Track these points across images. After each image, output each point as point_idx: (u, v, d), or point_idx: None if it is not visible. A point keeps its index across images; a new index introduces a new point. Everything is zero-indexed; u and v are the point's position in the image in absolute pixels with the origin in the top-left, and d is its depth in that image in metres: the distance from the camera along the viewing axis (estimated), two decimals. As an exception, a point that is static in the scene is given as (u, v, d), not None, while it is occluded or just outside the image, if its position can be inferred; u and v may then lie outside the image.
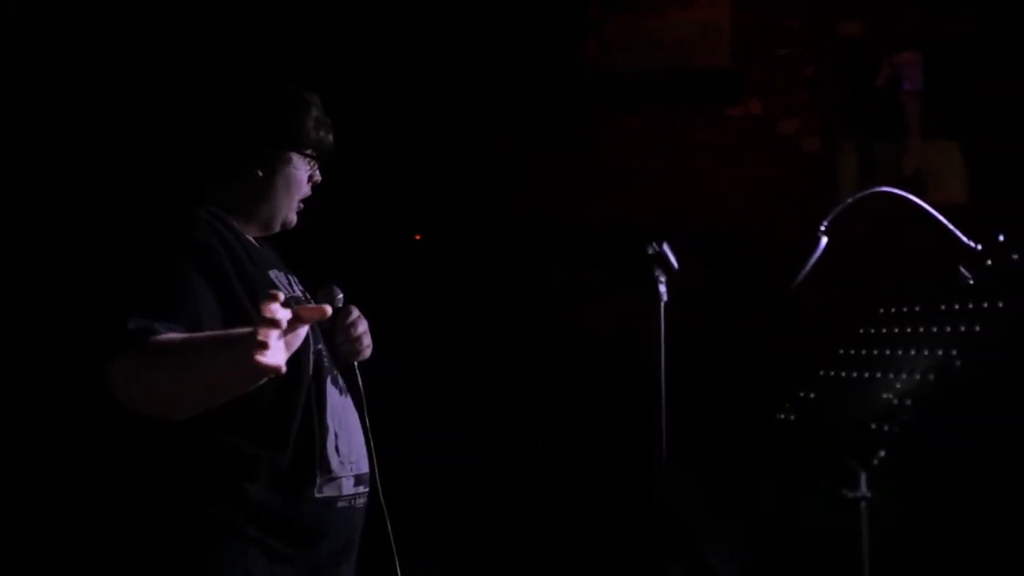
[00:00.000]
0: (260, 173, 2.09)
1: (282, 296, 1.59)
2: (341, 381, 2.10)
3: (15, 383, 3.66)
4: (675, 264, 2.19)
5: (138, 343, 1.77)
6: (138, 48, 3.93)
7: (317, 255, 3.08)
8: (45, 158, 3.81)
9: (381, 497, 2.13)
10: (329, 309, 1.63)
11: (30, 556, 3.54)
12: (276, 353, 1.57)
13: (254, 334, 1.55)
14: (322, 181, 2.20)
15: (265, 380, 1.71)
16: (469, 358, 4.23)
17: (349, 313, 2.16)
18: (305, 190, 2.15)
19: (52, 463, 3.66)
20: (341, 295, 2.16)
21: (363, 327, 2.16)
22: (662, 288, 2.19)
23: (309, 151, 2.12)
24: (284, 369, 1.60)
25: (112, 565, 2.06)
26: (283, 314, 1.57)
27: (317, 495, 1.98)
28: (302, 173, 2.13)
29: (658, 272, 2.20)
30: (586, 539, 3.99)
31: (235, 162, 2.08)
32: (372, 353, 2.20)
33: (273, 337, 1.56)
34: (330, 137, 2.15)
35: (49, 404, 3.67)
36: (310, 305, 1.67)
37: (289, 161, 2.11)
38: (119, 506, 2.07)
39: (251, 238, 2.11)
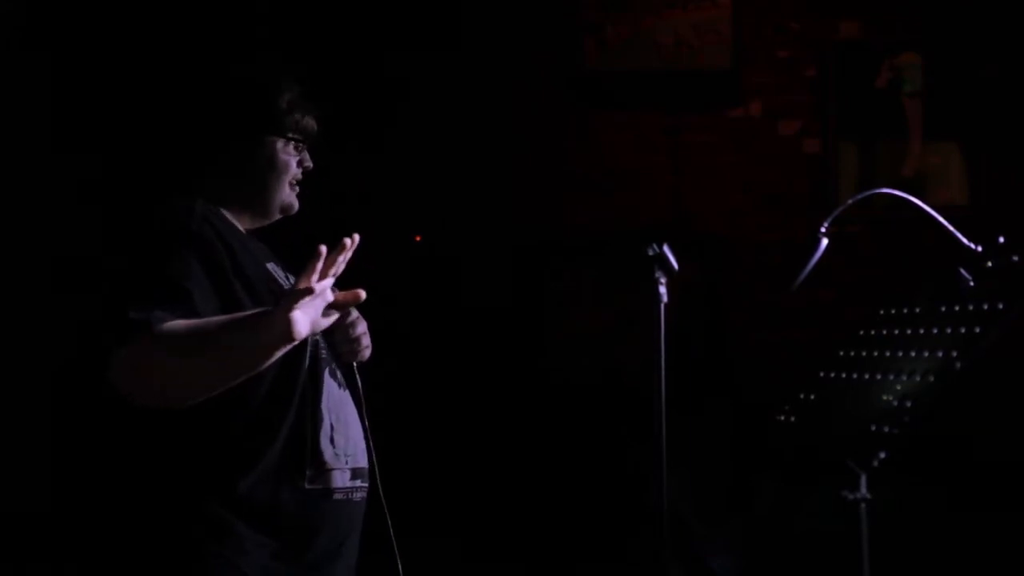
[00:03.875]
0: (243, 162, 2.07)
1: (322, 261, 1.73)
2: (340, 375, 2.10)
3: (12, 383, 3.66)
4: (675, 265, 2.18)
5: (146, 331, 1.77)
6: (118, 44, 3.92)
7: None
8: (39, 154, 3.82)
9: (382, 496, 2.12)
10: (363, 293, 1.80)
11: (18, 558, 3.53)
12: (303, 320, 1.74)
13: (293, 291, 1.71)
14: (323, 182, 2.19)
15: (270, 362, 1.80)
16: (468, 358, 4.23)
17: (348, 314, 2.15)
18: (294, 172, 2.13)
19: (45, 464, 3.66)
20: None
21: (362, 328, 2.15)
22: (662, 289, 2.18)
23: (289, 134, 2.10)
24: (302, 337, 1.75)
25: (104, 568, 2.04)
26: (322, 285, 1.74)
27: (308, 486, 1.96)
28: (286, 157, 2.11)
29: (658, 273, 2.19)
30: (586, 540, 3.98)
31: (217, 153, 2.07)
32: (372, 353, 2.19)
33: (306, 301, 1.72)
34: (309, 119, 2.13)
35: (48, 404, 3.67)
36: (343, 293, 1.80)
37: (270, 146, 2.09)
38: (111, 506, 2.06)
39: (244, 230, 2.11)
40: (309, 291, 1.72)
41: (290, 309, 1.72)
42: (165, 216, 1.96)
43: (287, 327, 1.72)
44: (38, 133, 3.84)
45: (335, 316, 1.83)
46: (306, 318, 1.74)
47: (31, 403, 3.68)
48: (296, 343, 1.77)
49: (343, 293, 1.80)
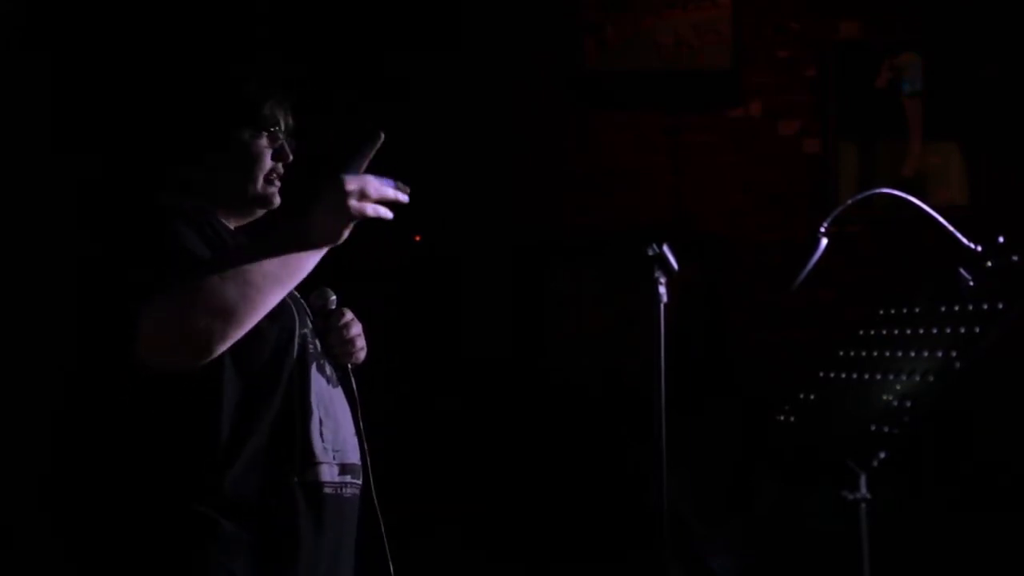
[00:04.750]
0: (216, 156, 2.04)
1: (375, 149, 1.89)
2: (330, 371, 2.08)
3: (12, 383, 3.66)
4: (675, 265, 2.18)
5: (172, 277, 1.75)
6: (118, 44, 3.92)
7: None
8: (39, 154, 3.82)
9: (374, 496, 2.11)
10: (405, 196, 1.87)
11: (12, 559, 3.53)
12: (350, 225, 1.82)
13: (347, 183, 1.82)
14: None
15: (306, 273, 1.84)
16: (467, 359, 4.23)
17: (343, 315, 2.14)
18: (268, 165, 2.08)
19: (45, 464, 3.66)
20: (334, 297, 2.14)
21: (357, 329, 2.14)
22: (662, 289, 2.18)
23: (259, 125, 2.07)
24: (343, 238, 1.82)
25: (93, 567, 2.02)
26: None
27: (296, 479, 1.93)
28: (258, 148, 2.07)
29: (658, 273, 2.19)
30: (586, 540, 3.98)
31: (193, 149, 2.04)
32: (370, 353, 2.18)
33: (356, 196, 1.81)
34: (279, 109, 2.10)
35: (47, 405, 3.67)
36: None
37: (239, 138, 2.05)
38: (99, 505, 2.04)
39: (234, 228, 2.10)
40: (365, 181, 1.82)
41: (344, 207, 1.80)
42: (161, 210, 1.96)
43: (335, 228, 1.81)
44: (38, 133, 3.84)
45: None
46: (350, 220, 1.82)
47: (31, 403, 3.68)
48: (338, 243, 1.83)
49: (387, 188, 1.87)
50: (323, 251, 1.84)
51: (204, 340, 1.77)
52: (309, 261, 1.84)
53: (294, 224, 1.84)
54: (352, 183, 1.81)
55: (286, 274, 1.82)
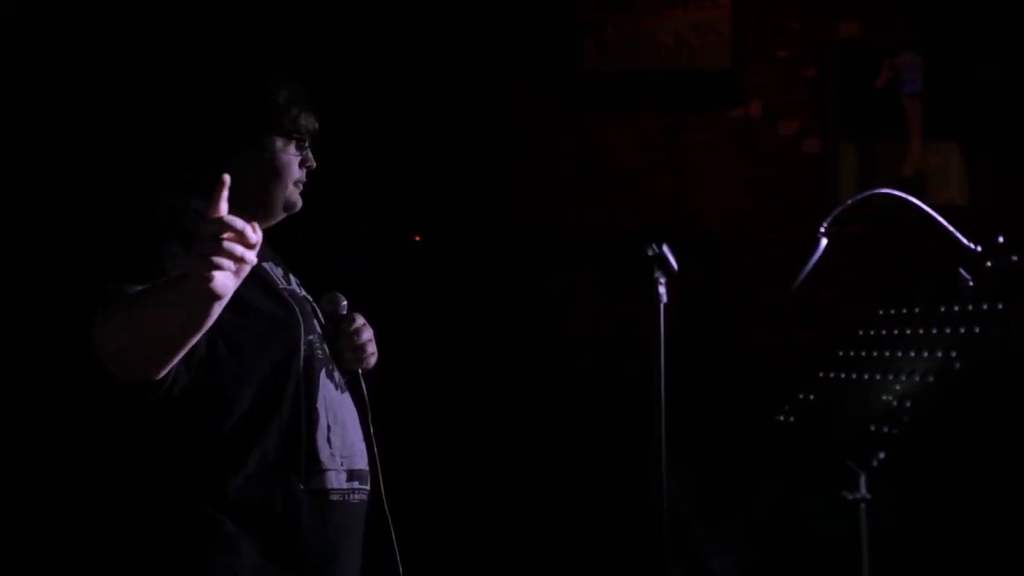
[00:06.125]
0: (243, 163, 2.02)
1: (227, 188, 1.59)
2: (339, 377, 2.08)
3: (12, 383, 3.66)
4: (675, 265, 2.19)
5: (109, 301, 1.76)
6: (118, 44, 3.92)
7: (316, 258, 3.07)
8: (39, 154, 3.82)
9: (384, 501, 2.10)
10: (254, 237, 1.60)
11: (12, 559, 3.53)
12: (222, 277, 1.57)
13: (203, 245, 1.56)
14: (323, 182, 2.19)
15: (210, 320, 1.67)
16: (467, 359, 4.22)
17: (353, 320, 2.13)
18: (296, 173, 2.10)
19: (45, 465, 3.66)
20: (345, 302, 2.13)
21: (367, 335, 2.13)
22: (662, 289, 2.19)
23: (289, 133, 2.07)
24: (228, 292, 1.61)
25: (94, 566, 2.03)
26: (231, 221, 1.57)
27: (303, 486, 1.94)
28: (287, 156, 2.07)
29: (658, 273, 2.19)
30: (586, 540, 3.99)
31: (216, 153, 2.03)
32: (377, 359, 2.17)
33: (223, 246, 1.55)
34: (309, 116, 2.10)
35: (48, 404, 3.67)
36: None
37: (270, 146, 2.06)
38: (100, 505, 2.05)
39: None
40: (220, 225, 1.56)
41: (207, 267, 1.56)
42: (158, 211, 1.96)
43: (206, 287, 1.57)
44: (38, 133, 3.84)
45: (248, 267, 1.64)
46: (225, 273, 1.58)
47: (31, 403, 3.68)
48: (225, 298, 1.64)
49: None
50: (213, 303, 1.64)
51: (136, 365, 1.77)
52: (207, 311, 1.66)
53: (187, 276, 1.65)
54: (202, 235, 1.58)
55: (188, 322, 1.69)
